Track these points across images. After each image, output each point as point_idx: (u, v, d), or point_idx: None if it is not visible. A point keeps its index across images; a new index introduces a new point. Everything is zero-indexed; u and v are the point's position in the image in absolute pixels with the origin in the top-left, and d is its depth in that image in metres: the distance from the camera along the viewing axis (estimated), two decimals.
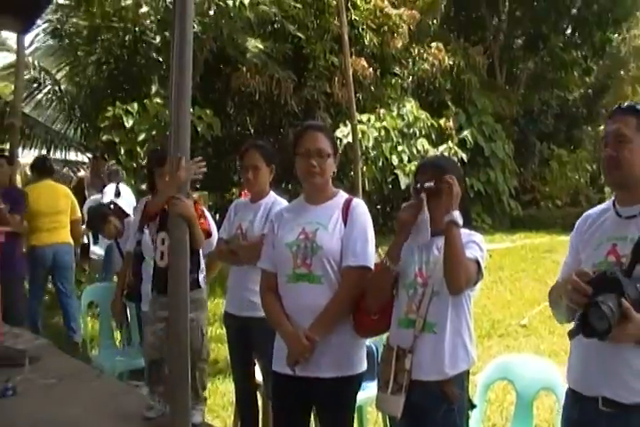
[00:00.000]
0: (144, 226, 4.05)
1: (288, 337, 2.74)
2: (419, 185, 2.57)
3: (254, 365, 3.64)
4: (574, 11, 20.45)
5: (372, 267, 2.76)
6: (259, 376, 3.67)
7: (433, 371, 2.51)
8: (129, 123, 10.93)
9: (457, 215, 2.40)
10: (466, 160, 15.76)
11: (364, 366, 2.87)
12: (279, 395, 2.97)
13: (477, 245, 2.51)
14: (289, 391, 2.87)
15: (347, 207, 2.82)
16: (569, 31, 21.44)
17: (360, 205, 2.86)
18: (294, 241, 2.78)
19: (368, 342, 3.69)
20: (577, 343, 2.17)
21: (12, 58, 13.77)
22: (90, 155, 12.89)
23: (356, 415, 3.77)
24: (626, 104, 2.22)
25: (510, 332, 7.22)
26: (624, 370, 2.06)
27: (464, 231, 2.51)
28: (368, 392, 3.63)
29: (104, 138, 11.12)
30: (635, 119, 2.13)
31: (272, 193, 3.61)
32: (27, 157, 13.06)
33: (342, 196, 2.90)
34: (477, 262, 2.47)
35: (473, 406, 2.66)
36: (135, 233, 4.23)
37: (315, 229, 2.77)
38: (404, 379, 2.53)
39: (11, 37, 14.99)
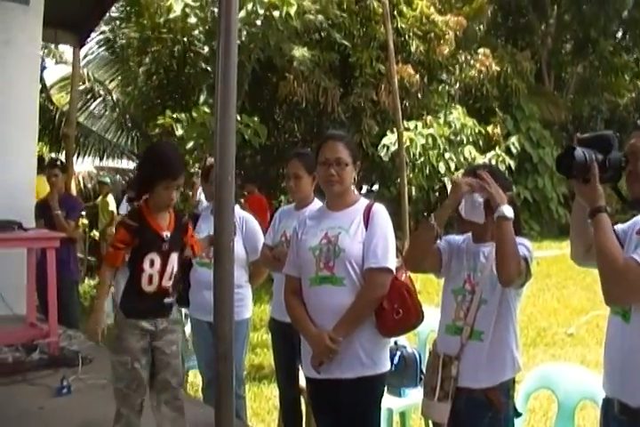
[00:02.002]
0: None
1: (312, 339, 2.82)
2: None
3: (298, 370, 3.71)
4: (625, 13, 20.08)
5: (393, 269, 2.81)
6: (302, 381, 3.73)
7: (479, 378, 2.54)
8: (179, 131, 11.14)
9: (505, 210, 2.43)
10: (513, 167, 15.59)
11: (386, 366, 2.91)
12: (314, 399, 3.06)
13: (525, 246, 2.53)
14: (321, 394, 2.95)
15: (368, 212, 2.89)
16: (619, 34, 21.08)
17: (381, 209, 2.93)
18: (317, 245, 2.87)
19: (410, 349, 3.76)
20: (605, 347, 2.26)
21: (68, 70, 14.25)
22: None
23: (399, 421, 3.83)
24: None
25: (557, 340, 7.13)
26: (634, 372, 2.09)
27: None
28: (411, 399, 3.68)
29: None
30: None
31: (316, 200, 3.66)
32: (81, 165, 13.53)
33: (363, 202, 2.98)
34: (525, 261, 2.49)
35: (518, 415, 2.68)
36: None
37: (337, 233, 2.85)
38: (450, 386, 2.57)
39: (67, 50, 15.52)
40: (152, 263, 2.91)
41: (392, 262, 2.82)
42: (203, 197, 9.21)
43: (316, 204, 3.59)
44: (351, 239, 2.83)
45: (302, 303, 2.92)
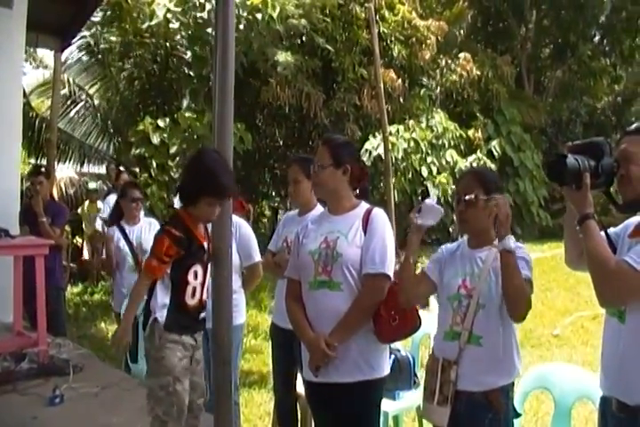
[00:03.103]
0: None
1: (308, 343, 2.83)
2: (462, 197, 2.65)
3: (296, 376, 3.69)
4: (602, 18, 20.35)
5: (391, 274, 2.82)
6: (300, 388, 3.71)
7: (479, 382, 2.56)
8: (157, 139, 11.07)
9: (509, 242, 2.42)
10: (494, 170, 15.71)
11: (385, 371, 2.91)
12: (312, 402, 3.07)
13: (525, 261, 2.55)
14: (319, 398, 2.95)
15: (367, 216, 2.89)
16: (597, 39, 21.33)
17: (380, 214, 2.93)
18: (316, 249, 2.87)
19: (404, 352, 3.77)
20: (603, 347, 2.29)
21: (47, 75, 14.14)
22: (122, 168, 13.11)
23: (392, 425, 3.83)
24: (633, 127, 2.29)
25: (543, 342, 7.20)
26: (630, 371, 2.14)
27: None
28: (405, 402, 3.69)
29: (135, 152, 11.31)
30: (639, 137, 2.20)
31: (319, 206, 3.64)
32: (62, 171, 13.40)
33: (364, 206, 2.97)
34: (529, 282, 2.52)
35: (518, 415, 2.70)
36: None
37: (335, 237, 2.85)
38: (449, 390, 2.58)
39: (46, 55, 15.40)
40: (196, 275, 2.77)
41: (390, 268, 2.82)
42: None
43: (319, 209, 3.57)
44: (349, 244, 2.83)
45: (302, 307, 2.92)
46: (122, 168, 9.99)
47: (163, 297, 2.74)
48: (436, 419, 2.65)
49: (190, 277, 2.75)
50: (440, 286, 2.75)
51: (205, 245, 2.82)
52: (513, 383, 2.64)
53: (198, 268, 2.78)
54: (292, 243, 3.51)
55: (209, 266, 2.84)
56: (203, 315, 2.88)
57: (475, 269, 2.63)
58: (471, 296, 2.58)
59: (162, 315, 2.72)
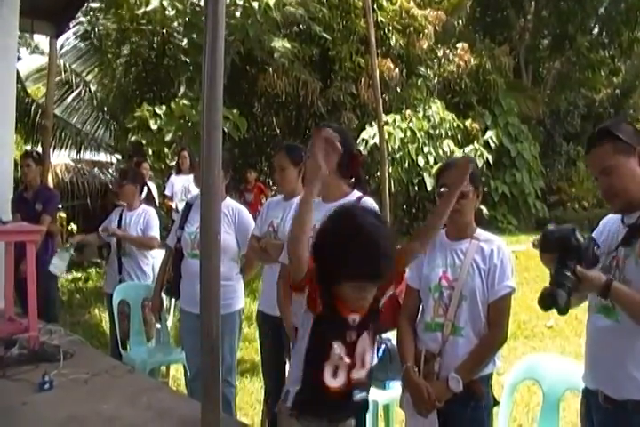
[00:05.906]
0: (185, 223, 4.16)
1: (288, 329, 2.89)
2: (441, 189, 2.65)
3: (285, 365, 3.69)
4: (601, 10, 20.30)
5: None
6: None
7: None
8: (155, 125, 11.05)
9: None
10: (491, 161, 15.67)
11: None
12: None
13: (508, 269, 2.62)
14: None
15: None
16: (596, 31, 21.26)
17: (368, 203, 2.93)
18: None
19: (395, 341, 3.76)
20: (587, 340, 2.37)
21: (43, 61, 14.04)
22: (119, 156, 13.07)
23: (382, 414, 3.84)
24: (597, 129, 2.27)
25: (536, 333, 7.21)
26: (619, 367, 2.16)
27: (487, 238, 2.62)
28: (395, 391, 3.68)
29: (132, 139, 11.29)
30: (610, 144, 2.19)
31: None
32: (58, 157, 13.35)
33: (355, 194, 3.00)
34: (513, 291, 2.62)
35: (496, 403, 2.74)
36: (176, 230, 4.30)
37: None
38: (432, 381, 2.59)
39: (42, 41, 15.29)
40: (339, 355, 2.10)
41: None
42: (176, 189, 9.11)
43: None
44: None
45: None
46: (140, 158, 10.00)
47: (297, 368, 2.20)
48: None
49: (332, 352, 2.09)
50: (419, 276, 2.76)
51: (353, 318, 2.11)
52: (492, 373, 2.68)
53: (340, 346, 2.09)
54: (277, 227, 3.50)
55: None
56: (358, 396, 2.19)
57: (456, 261, 2.64)
58: (453, 288, 2.60)
59: (292, 391, 2.19)
